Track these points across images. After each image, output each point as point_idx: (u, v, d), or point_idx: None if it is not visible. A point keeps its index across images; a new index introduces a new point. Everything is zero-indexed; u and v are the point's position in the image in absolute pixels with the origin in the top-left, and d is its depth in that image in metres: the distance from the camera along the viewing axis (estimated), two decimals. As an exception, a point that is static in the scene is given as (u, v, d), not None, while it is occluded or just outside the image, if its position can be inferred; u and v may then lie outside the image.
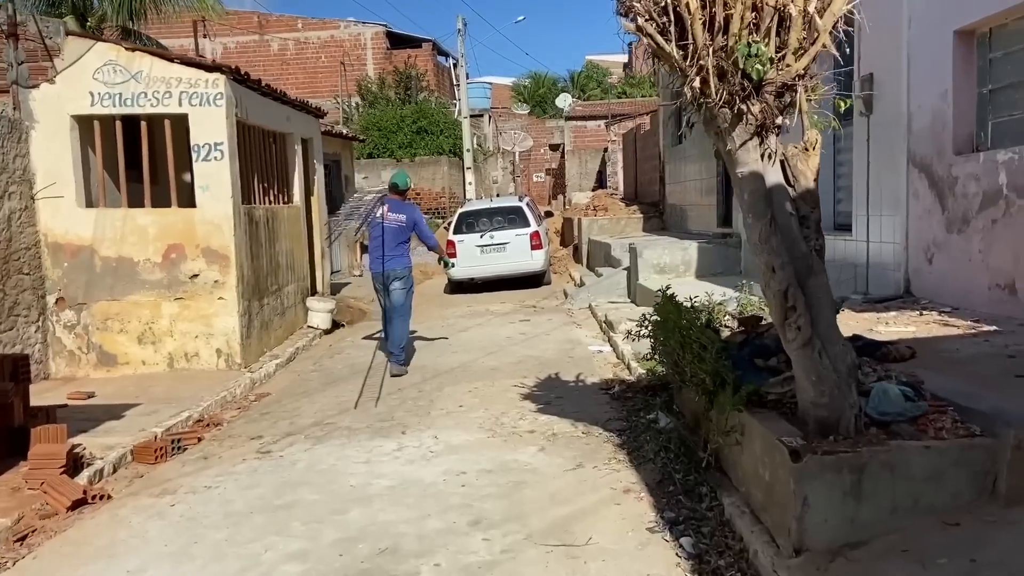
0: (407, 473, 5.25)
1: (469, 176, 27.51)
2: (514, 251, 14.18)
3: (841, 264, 8.01)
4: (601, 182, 33.60)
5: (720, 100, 3.44)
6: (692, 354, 4.64)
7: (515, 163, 37.17)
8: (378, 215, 8.39)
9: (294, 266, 10.83)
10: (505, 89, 47.52)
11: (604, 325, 10.00)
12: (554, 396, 6.97)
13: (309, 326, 11.14)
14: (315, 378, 8.43)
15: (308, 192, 12.25)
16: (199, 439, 6.35)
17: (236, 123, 8.68)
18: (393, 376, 8.01)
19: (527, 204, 14.85)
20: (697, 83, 3.40)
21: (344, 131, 17.98)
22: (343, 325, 11.69)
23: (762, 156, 3.56)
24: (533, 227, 14.31)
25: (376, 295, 8.74)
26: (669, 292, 5.89)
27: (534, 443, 5.69)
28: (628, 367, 7.79)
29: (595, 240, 15.62)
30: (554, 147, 41.35)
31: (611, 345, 8.96)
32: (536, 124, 42.14)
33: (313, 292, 12.06)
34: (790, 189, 3.66)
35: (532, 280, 14.65)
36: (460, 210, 14.86)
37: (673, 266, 11.28)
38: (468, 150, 27.82)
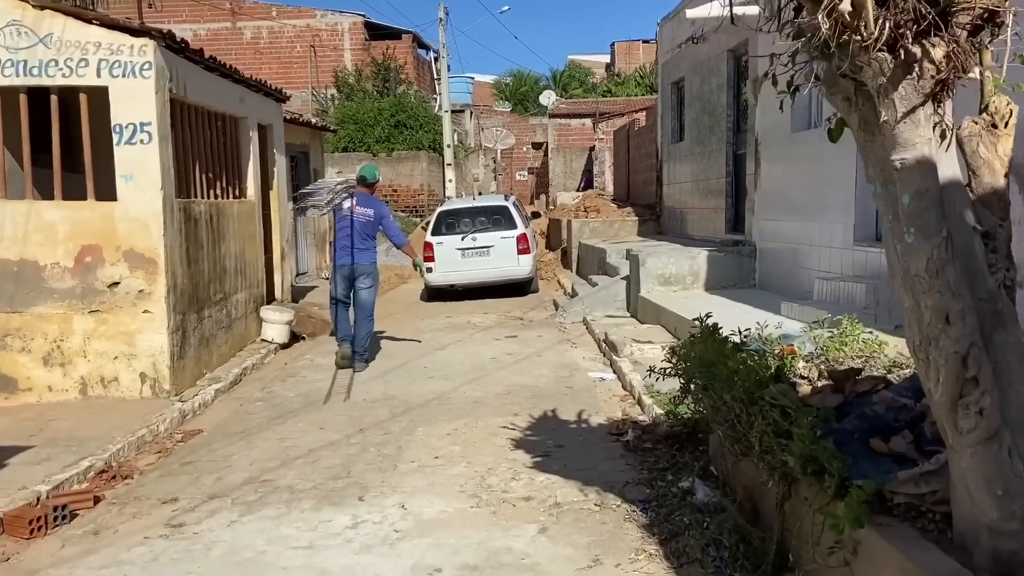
0: (362, 569, 3.84)
1: (449, 173, 26.13)
2: (499, 256, 12.78)
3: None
4: (587, 182, 32.33)
5: (878, 37, 2.04)
6: (765, 420, 3.28)
7: (497, 161, 35.84)
8: (346, 208, 8.12)
9: (245, 270, 9.36)
10: (486, 87, 46.96)
11: (604, 345, 8.65)
12: (553, 443, 5.59)
13: (263, 340, 9.68)
14: (260, 410, 6.97)
15: (266, 185, 10.78)
16: (96, 500, 4.89)
17: (170, 100, 7.21)
18: (357, 372, 8.00)
19: (513, 204, 13.46)
20: (847, 5, 1.99)
21: (313, 120, 16.48)
22: (303, 338, 10.23)
23: (936, 134, 2.17)
24: (520, 229, 12.92)
25: (331, 286, 8.50)
26: (710, 322, 4.52)
27: (532, 518, 4.31)
28: (640, 403, 6.43)
29: (587, 244, 14.27)
30: (537, 145, 40.17)
31: (615, 372, 7.61)
32: (518, 121, 40.95)
33: (270, 300, 10.58)
34: (968, 189, 2.30)
35: (518, 288, 13.27)
36: (439, 209, 13.43)
37: (680, 277, 9.95)
38: (449, 146, 26.42)
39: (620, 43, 48.55)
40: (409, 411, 6.59)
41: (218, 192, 8.75)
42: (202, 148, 8.30)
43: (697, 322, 4.60)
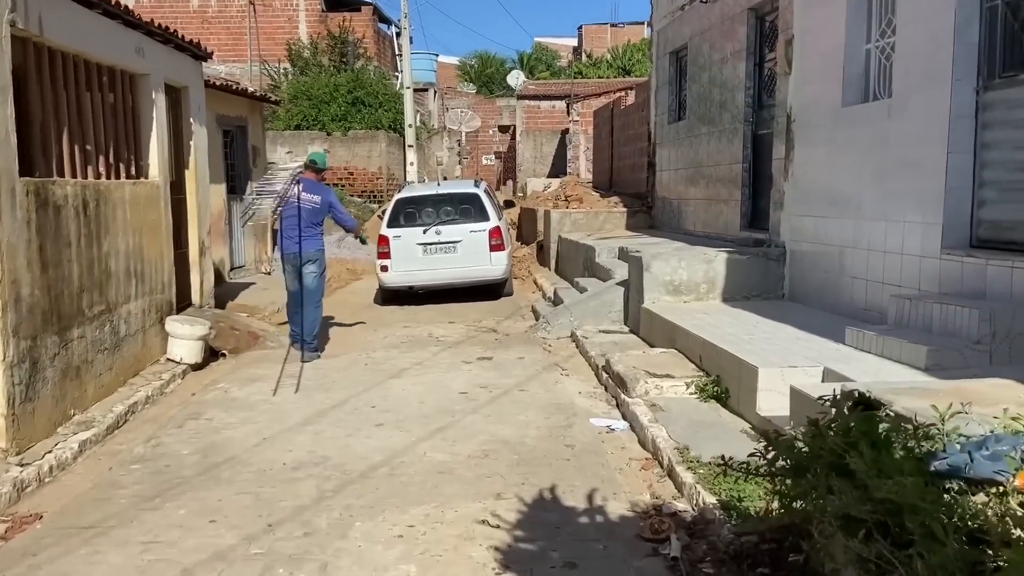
0: None
1: (411, 155, 24.04)
2: (467, 253, 10.81)
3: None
4: (561, 167, 30.47)
5: None
6: None
7: (462, 143, 33.80)
8: (292, 194, 8.06)
9: (143, 272, 7.25)
10: (451, 68, 45.76)
11: (605, 375, 6.75)
12: (559, 557, 3.69)
13: (169, 359, 7.60)
14: (135, 478, 4.92)
15: (179, 163, 8.64)
16: None
17: (12, 38, 5.09)
18: (304, 363, 7.70)
19: (485, 191, 11.47)
20: None
21: (250, 88, 14.25)
22: (224, 355, 8.17)
23: None
24: (493, 222, 10.95)
25: (285, 279, 8.24)
26: (845, 389, 2.60)
27: None
28: (671, 474, 4.55)
29: (569, 240, 12.36)
30: (504, 128, 38.31)
31: (626, 419, 5.72)
32: (485, 103, 39.05)
33: (184, 307, 8.48)
34: None
35: (489, 290, 11.32)
36: (397, 196, 11.36)
37: (692, 285, 8.08)
38: (410, 126, 24.30)
39: (588, 26, 47.48)
40: (345, 487, 4.61)
41: (101, 170, 6.62)
42: (75, 110, 6.16)
43: (826, 401, 2.68)
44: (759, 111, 9.27)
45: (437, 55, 38.93)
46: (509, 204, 12.72)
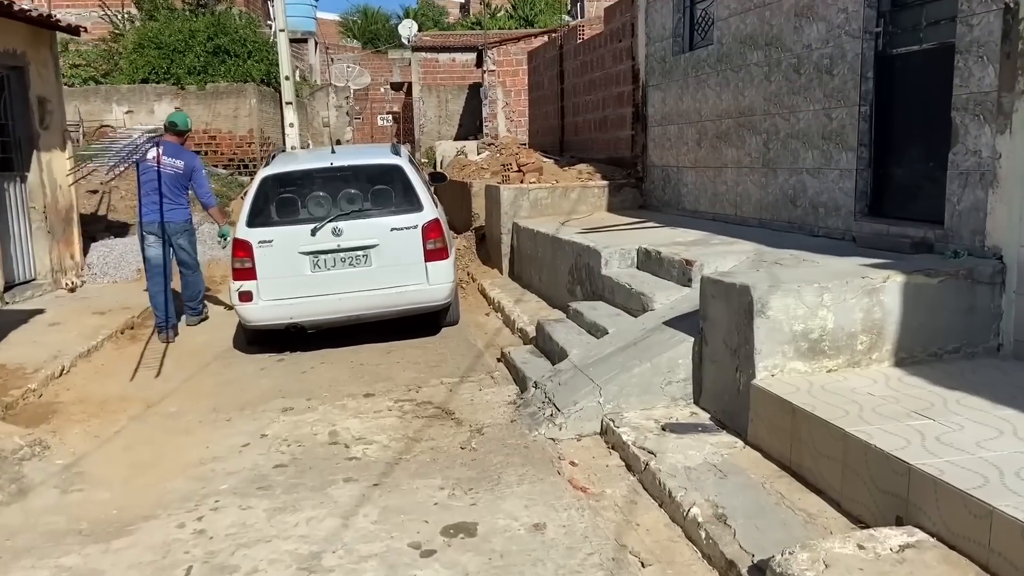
0: None
1: (290, 114, 19.10)
2: (388, 265, 6.51)
3: None
4: (472, 127, 26.26)
5: None
6: None
7: (350, 102, 28.93)
8: (150, 158, 7.23)
9: None
10: (332, 25, 42.70)
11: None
12: None
13: None
14: None
15: None
16: None
17: None
18: (190, 325, 7.68)
19: (409, 161, 7.12)
20: None
21: (31, 10, 9.21)
22: None
23: None
24: (428, 212, 6.63)
25: (143, 249, 7.37)
26: None
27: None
28: None
29: (532, 231, 8.24)
30: (397, 86, 33.76)
31: None
32: (374, 59, 34.33)
33: None
34: None
35: (426, 321, 7.09)
36: (265, 170, 6.85)
37: (842, 338, 4.17)
38: (287, 78, 19.25)
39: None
40: None
41: None
42: None
43: None
44: (896, 14, 5.39)
45: (316, 2, 33.68)
46: (438, 178, 8.39)
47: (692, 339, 4.76)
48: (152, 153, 7.22)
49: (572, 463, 4.28)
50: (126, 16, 23.09)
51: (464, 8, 43.17)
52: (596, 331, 5.66)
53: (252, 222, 6.44)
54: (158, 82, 19.92)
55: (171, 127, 7.54)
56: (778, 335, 4.15)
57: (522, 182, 9.34)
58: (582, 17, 19.85)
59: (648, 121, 9.03)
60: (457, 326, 7.42)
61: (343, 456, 4.49)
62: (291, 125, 19.29)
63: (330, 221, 6.44)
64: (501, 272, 9.24)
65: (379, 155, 7.12)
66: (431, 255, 6.57)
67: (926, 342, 4.30)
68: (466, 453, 4.45)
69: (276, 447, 4.68)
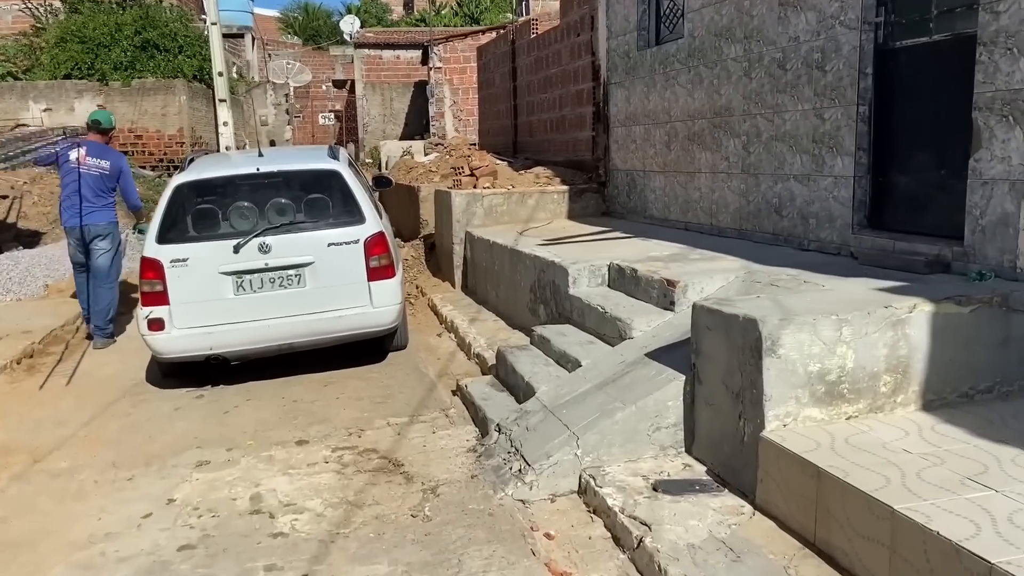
0: None
1: (224, 113, 18.00)
2: (325, 286, 5.68)
3: None
4: (418, 127, 25.38)
5: None
6: None
7: (290, 100, 27.82)
8: (72, 159, 6.93)
9: None
10: (271, 21, 41.80)
11: None
12: None
13: None
14: None
15: None
16: None
17: None
18: (96, 349, 6.95)
19: (350, 166, 6.27)
20: None
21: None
22: None
23: None
24: (371, 224, 5.80)
25: (70, 251, 7.11)
26: None
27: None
28: None
29: (488, 242, 7.48)
30: (339, 84, 32.75)
31: None
32: (315, 56, 33.25)
33: None
34: None
35: (368, 345, 6.26)
36: (179, 177, 5.91)
37: (863, 379, 3.54)
38: (221, 74, 18.13)
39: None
40: None
41: None
42: None
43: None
44: (900, 2, 4.78)
45: (254, -1, 32.35)
46: (382, 183, 7.56)
47: (683, 377, 4.07)
48: (74, 154, 6.92)
49: (548, 535, 3.54)
50: (48, 9, 21.74)
51: (408, 5, 42.64)
52: (566, 362, 4.93)
53: (163, 238, 5.53)
54: (81, 78, 18.75)
55: (94, 125, 7.23)
56: (791, 377, 3.49)
57: (475, 187, 8.57)
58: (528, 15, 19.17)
59: (611, 121, 8.36)
60: (406, 350, 6.62)
61: (267, 531, 3.67)
62: (225, 124, 18.16)
63: (256, 236, 5.57)
64: (453, 285, 8.46)
65: (314, 159, 6.26)
66: (375, 273, 5.76)
67: (956, 381, 3.68)
68: (418, 524, 3.67)
69: (184, 519, 3.83)
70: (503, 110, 12.21)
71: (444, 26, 30.99)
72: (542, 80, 10.32)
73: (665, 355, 4.35)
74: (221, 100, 17.89)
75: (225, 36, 24.77)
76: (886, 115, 4.90)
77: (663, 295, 4.93)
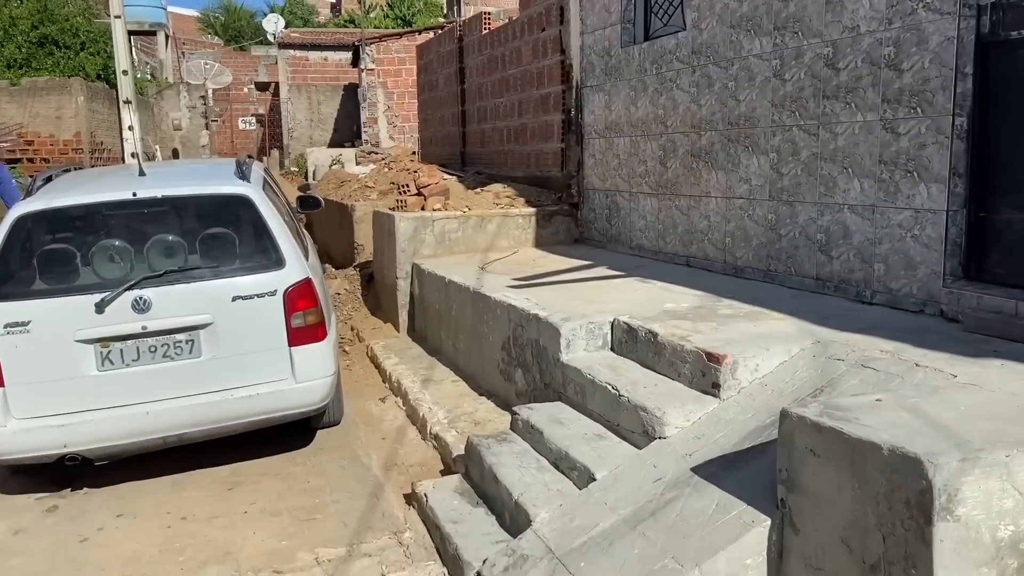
0: None
1: (129, 116, 16.09)
2: (228, 355, 4.13)
3: None
4: (347, 133, 23.73)
5: None
6: None
7: (208, 103, 25.76)
8: None
9: None
10: (190, 21, 40.29)
11: None
12: None
13: None
14: None
15: None
16: None
17: None
18: None
19: (264, 186, 4.74)
20: None
21: None
22: None
23: None
24: (294, 268, 4.28)
25: None
26: None
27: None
28: None
29: (440, 278, 6.01)
30: (262, 86, 30.81)
31: None
32: (236, 56, 31.25)
33: None
34: None
35: (290, 431, 4.71)
36: (24, 207, 4.19)
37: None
38: (126, 72, 16.23)
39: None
40: None
41: None
42: None
43: None
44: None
45: (168, -4, 30.21)
46: (309, 204, 5.97)
47: (765, 520, 2.71)
48: None
49: None
50: (-69, 3, 19.39)
51: (335, 8, 41.14)
52: (570, 469, 3.53)
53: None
54: None
55: None
56: (974, 550, 2.17)
57: (423, 208, 7.10)
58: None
59: (585, 131, 7.02)
60: (339, 425, 5.11)
61: None
62: (130, 128, 16.22)
63: (130, 288, 3.99)
64: (397, 329, 6.96)
65: (215, 178, 4.69)
66: (299, 336, 4.24)
67: None
68: None
69: None
70: (448, 116, 10.76)
71: (375, 28, 29.43)
72: (497, 82, 8.93)
73: (724, 474, 3.00)
74: (126, 101, 15.96)
75: (135, 33, 22.66)
76: (991, 129, 3.68)
77: (700, 373, 3.59)
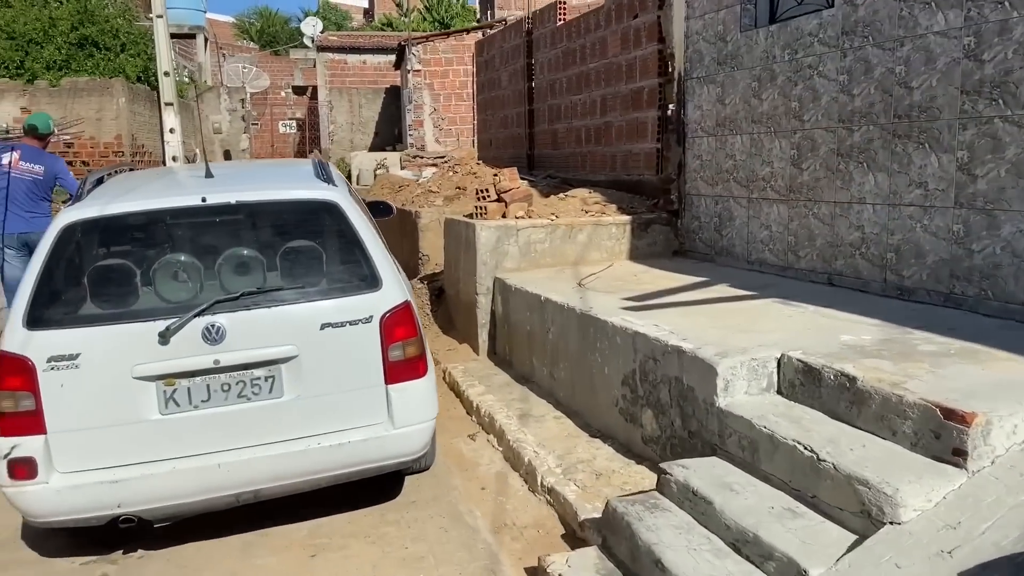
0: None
1: (171, 118, 15.65)
2: (315, 395, 3.39)
3: None
4: (389, 136, 23.19)
5: None
6: None
7: (246, 106, 25.39)
8: (4, 163, 6.59)
9: None
10: (226, 27, 40.38)
11: None
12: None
13: None
14: None
15: None
16: None
17: None
18: None
19: (349, 194, 4.02)
20: None
21: None
22: None
23: None
24: (390, 289, 3.56)
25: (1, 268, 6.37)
26: None
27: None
28: None
29: (532, 295, 5.24)
30: (299, 90, 30.53)
31: None
32: (273, 60, 31.02)
33: None
34: None
35: (368, 478, 3.94)
36: (71, 213, 3.45)
37: None
38: (167, 73, 15.77)
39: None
40: None
41: None
42: None
43: None
44: None
45: (207, -3, 30.10)
46: (380, 210, 5.23)
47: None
48: (6, 159, 6.60)
49: None
50: (-25, 3, 19.30)
51: (368, 13, 41.23)
52: (764, 558, 2.71)
53: (37, 318, 3.19)
54: (10, 77, 16.46)
55: (31, 130, 6.98)
56: None
57: (504, 216, 6.33)
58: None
59: (689, 129, 6.21)
60: (430, 471, 4.34)
61: None
62: (172, 131, 15.74)
63: (201, 313, 3.27)
64: (476, 351, 6.19)
65: (295, 180, 3.95)
66: (398, 371, 3.48)
67: None
68: None
69: None
70: (513, 116, 10.00)
71: (413, 30, 28.97)
72: (574, 78, 8.15)
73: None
74: (167, 103, 15.50)
75: (175, 36, 22.33)
76: None
77: (932, 434, 2.76)
